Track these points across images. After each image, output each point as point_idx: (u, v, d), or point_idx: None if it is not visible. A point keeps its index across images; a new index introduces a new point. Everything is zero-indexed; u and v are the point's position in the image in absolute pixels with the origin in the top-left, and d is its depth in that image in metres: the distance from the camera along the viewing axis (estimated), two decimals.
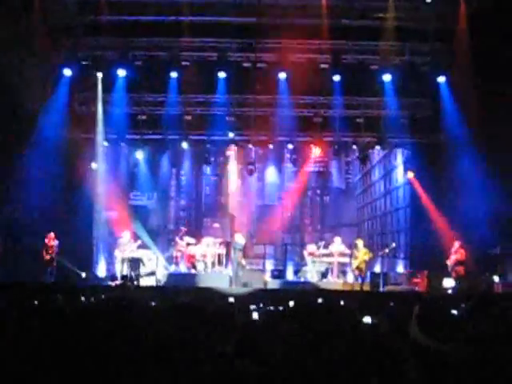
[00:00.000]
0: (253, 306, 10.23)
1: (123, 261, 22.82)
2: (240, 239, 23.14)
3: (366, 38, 23.78)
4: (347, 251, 23.23)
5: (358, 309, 8.35)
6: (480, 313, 8.19)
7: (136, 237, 23.71)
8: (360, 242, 23.14)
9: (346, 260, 23.34)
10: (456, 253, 21.58)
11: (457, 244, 21.64)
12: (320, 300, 12.12)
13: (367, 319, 7.77)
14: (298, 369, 4.66)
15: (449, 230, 22.36)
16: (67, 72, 23.50)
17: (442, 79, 23.80)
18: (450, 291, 20.98)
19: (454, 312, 9.81)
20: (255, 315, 9.03)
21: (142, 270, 22.79)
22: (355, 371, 4.00)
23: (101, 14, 22.92)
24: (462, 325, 6.35)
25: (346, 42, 23.95)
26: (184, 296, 13.09)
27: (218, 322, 6.27)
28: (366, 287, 22.28)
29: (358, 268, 22.54)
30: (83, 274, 22.72)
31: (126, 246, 23.09)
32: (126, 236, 23.28)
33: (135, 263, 22.73)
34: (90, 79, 24.24)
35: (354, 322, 6.39)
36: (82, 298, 12.44)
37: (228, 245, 24.75)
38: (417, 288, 21.73)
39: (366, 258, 22.65)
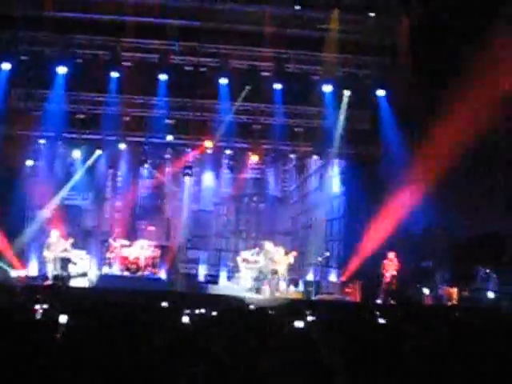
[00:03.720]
0: (186, 311, 10.19)
1: (54, 260, 22.54)
2: (271, 247, 23.06)
3: (309, 48, 23.92)
4: (279, 257, 23.31)
5: (290, 314, 8.40)
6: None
7: (68, 236, 23.41)
8: (281, 250, 23.38)
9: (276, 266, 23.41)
10: (391, 264, 21.81)
11: (392, 255, 21.87)
12: (252, 306, 12.16)
13: (298, 323, 7.81)
14: (224, 372, 4.67)
15: (382, 241, 22.55)
16: (5, 66, 23.17)
17: (382, 93, 24.05)
18: (379, 301, 21.23)
19: (382, 321, 9.95)
20: (186, 319, 9.00)
21: (74, 270, 22.55)
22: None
23: (43, 9, 22.63)
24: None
25: (289, 50, 24.06)
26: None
27: (150, 326, 6.25)
28: (299, 295, 22.39)
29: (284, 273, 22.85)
30: (13, 273, 22.38)
31: (56, 246, 22.79)
32: (54, 235, 22.95)
33: (65, 263, 22.47)
34: (29, 75, 23.90)
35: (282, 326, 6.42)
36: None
37: (162, 248, 24.68)
38: (348, 298, 21.91)
39: (289, 260, 22.92)
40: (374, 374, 4.61)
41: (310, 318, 9.15)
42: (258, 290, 22.54)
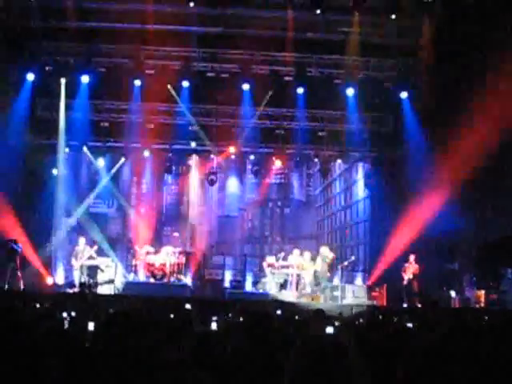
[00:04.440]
0: (213, 317, 10.21)
1: (81, 268, 22.68)
2: (327, 252, 23.10)
3: (331, 52, 23.91)
4: (305, 263, 23.31)
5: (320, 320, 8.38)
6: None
7: (94, 244, 23.52)
8: (307, 254, 23.37)
9: (302, 272, 23.39)
10: (412, 267, 21.77)
11: (412, 258, 21.84)
12: (279, 311, 12.18)
13: (329, 329, 7.79)
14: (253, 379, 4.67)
15: (406, 244, 22.48)
16: (30, 77, 23.37)
17: (404, 95, 24.00)
18: (405, 305, 21.17)
19: (409, 325, 9.92)
20: (214, 325, 9.02)
21: (100, 277, 22.63)
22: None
23: (65, 19, 22.77)
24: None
25: (311, 55, 24.07)
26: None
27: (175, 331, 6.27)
28: (325, 300, 22.35)
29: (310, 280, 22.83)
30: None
31: (83, 253, 22.93)
32: (81, 243, 23.12)
33: (93, 270, 22.58)
34: (53, 85, 24.07)
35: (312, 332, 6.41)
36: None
37: (187, 254, 24.72)
38: (375, 302, 21.85)
39: (314, 267, 22.93)
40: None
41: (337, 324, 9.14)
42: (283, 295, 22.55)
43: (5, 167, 22.05)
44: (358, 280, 24.66)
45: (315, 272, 22.81)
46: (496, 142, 19.82)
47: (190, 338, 5.98)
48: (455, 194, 21.63)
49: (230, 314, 11.55)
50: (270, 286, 23.58)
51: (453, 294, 21.75)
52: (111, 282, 22.64)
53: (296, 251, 23.91)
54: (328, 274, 22.96)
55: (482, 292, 21.30)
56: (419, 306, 20.76)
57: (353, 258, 24.40)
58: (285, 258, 23.94)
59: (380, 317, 12.81)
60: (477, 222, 21.99)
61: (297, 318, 11.17)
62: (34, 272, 22.61)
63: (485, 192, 21.80)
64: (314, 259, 23.26)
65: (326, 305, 20.72)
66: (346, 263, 23.94)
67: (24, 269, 21.96)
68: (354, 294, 22.31)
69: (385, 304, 21.53)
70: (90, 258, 22.85)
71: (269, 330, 6.20)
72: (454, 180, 21.35)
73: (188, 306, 12.36)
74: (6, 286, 20.78)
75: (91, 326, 7.95)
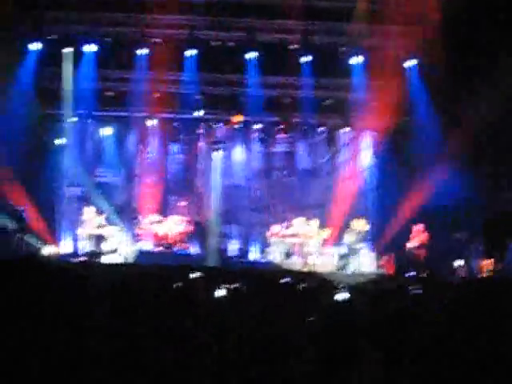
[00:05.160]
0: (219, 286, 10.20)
1: (87, 237, 22.72)
2: (363, 224, 23.05)
3: (337, 19, 23.78)
4: (312, 232, 23.34)
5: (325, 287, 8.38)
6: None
7: (100, 213, 23.57)
8: (314, 223, 23.35)
9: (309, 240, 23.38)
10: (419, 236, 21.76)
11: (420, 227, 21.81)
12: (284, 280, 12.16)
13: (342, 296, 7.77)
14: (262, 345, 4.65)
15: (413, 214, 22.48)
16: (34, 46, 23.31)
17: (411, 63, 23.87)
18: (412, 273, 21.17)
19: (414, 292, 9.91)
20: (218, 293, 9.01)
21: (105, 246, 22.67)
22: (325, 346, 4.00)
23: None
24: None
25: (316, 22, 23.94)
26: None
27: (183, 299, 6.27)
28: (331, 268, 22.36)
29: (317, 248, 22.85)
30: (45, 249, 22.55)
31: (90, 223, 22.98)
32: (88, 212, 23.15)
33: (99, 240, 22.63)
34: (58, 54, 24.00)
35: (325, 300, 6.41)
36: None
37: (193, 223, 24.73)
38: (383, 270, 21.86)
39: (322, 236, 22.92)
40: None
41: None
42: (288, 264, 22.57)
43: (10, 137, 22.07)
44: (365, 249, 24.62)
45: (349, 245, 22.74)
46: (505, 113, 19.77)
47: (201, 306, 5.98)
48: (464, 163, 21.62)
49: (236, 283, 11.53)
50: (275, 254, 23.60)
51: (459, 263, 21.72)
52: (115, 251, 22.68)
53: (301, 219, 23.92)
54: (359, 246, 22.91)
55: (491, 261, 21.28)
56: (424, 275, 20.77)
57: None
58: (289, 227, 23.95)
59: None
60: (486, 192, 21.95)
61: (303, 285, 11.16)
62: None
63: (494, 162, 21.74)
64: (322, 229, 23.27)
65: (334, 273, 20.76)
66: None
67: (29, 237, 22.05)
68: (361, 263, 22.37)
69: (392, 273, 21.55)
70: (99, 227, 22.90)
71: (276, 297, 6.20)
72: (464, 151, 21.32)
73: (197, 274, 12.35)
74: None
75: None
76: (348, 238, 22.87)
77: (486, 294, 10.65)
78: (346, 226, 24.57)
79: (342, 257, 22.71)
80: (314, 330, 4.67)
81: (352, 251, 22.59)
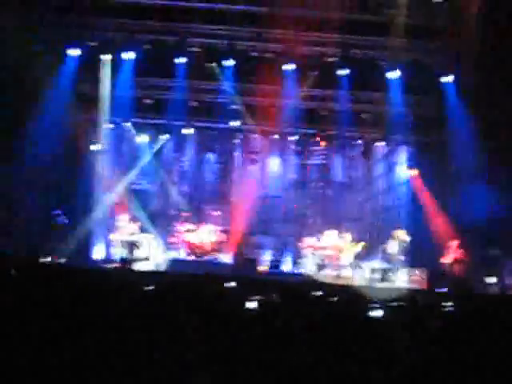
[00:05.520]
0: (252, 297, 10.21)
1: (120, 244, 22.84)
2: (404, 235, 23.00)
3: (375, 34, 23.76)
4: (345, 245, 23.31)
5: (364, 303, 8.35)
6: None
7: (135, 220, 23.69)
8: (347, 236, 23.32)
9: (341, 254, 23.34)
10: (454, 252, 21.65)
11: (455, 243, 21.70)
12: (319, 293, 12.15)
13: (377, 313, 7.75)
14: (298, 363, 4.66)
15: (449, 229, 22.40)
16: (73, 52, 23.55)
17: (448, 78, 23.81)
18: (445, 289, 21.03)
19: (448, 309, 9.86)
20: (252, 305, 9.02)
21: (139, 253, 22.76)
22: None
23: None
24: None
25: (355, 36, 23.95)
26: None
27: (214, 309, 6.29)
28: (364, 282, 22.28)
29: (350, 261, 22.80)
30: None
31: (124, 229, 23.11)
32: (123, 219, 23.28)
33: (132, 247, 22.72)
34: (97, 60, 24.21)
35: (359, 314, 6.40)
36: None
37: (228, 233, 24.79)
38: (416, 286, 21.73)
39: (355, 249, 22.87)
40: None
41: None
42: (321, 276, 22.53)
43: (49, 142, 22.26)
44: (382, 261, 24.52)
45: (389, 256, 22.61)
46: None
47: (233, 316, 6.00)
48: (500, 178, 21.50)
49: (272, 295, 11.54)
50: (309, 266, 23.58)
51: (493, 280, 21.57)
52: (147, 259, 22.77)
53: (333, 232, 23.91)
54: (401, 258, 22.79)
55: None
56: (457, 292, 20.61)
57: None
58: (325, 240, 23.94)
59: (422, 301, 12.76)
60: None
61: (335, 299, 11.14)
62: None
63: None
64: (355, 243, 23.24)
65: (367, 287, 20.68)
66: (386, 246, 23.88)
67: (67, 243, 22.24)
68: (394, 278, 22.28)
69: (425, 288, 21.42)
70: (132, 234, 23.02)
71: (309, 312, 6.19)
72: (501, 165, 21.21)
73: (233, 284, 12.41)
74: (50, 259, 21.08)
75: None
76: (390, 248, 22.72)
77: None
78: (380, 240, 24.53)
79: (383, 270, 22.56)
80: (343, 346, 4.67)
81: (393, 263, 22.46)
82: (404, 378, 4.35)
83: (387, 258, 22.68)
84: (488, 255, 22.43)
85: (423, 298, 14.12)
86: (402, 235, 22.73)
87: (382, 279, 22.15)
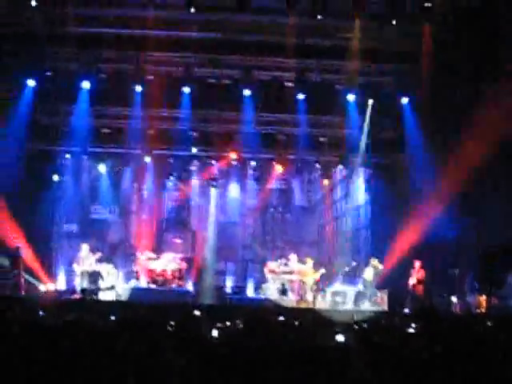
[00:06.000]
0: (216, 324, 10.19)
1: (82, 274, 22.63)
2: (377, 263, 22.87)
3: (332, 58, 23.92)
4: (308, 270, 23.35)
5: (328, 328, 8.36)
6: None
7: (95, 250, 23.51)
8: (309, 261, 23.37)
9: (304, 278, 23.37)
10: (417, 272, 21.80)
11: (417, 264, 21.84)
12: (281, 318, 12.14)
13: (340, 338, 7.76)
14: None
15: (408, 250, 22.53)
16: (31, 82, 23.44)
17: (405, 100, 24.05)
18: (406, 310, 21.13)
19: (411, 330, 9.91)
20: (215, 332, 9.00)
21: (102, 283, 22.58)
22: None
23: (67, 25, 22.76)
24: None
25: (311, 60, 24.10)
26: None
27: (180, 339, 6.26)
28: (325, 305, 22.31)
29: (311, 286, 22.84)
30: (41, 287, 22.49)
31: (85, 259, 22.92)
32: (84, 249, 23.09)
33: (94, 277, 22.52)
34: (54, 91, 24.07)
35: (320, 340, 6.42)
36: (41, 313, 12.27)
37: (189, 260, 24.72)
38: (376, 307, 21.81)
39: (317, 276, 22.94)
40: None
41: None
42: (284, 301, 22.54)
43: (6, 173, 22.06)
44: (361, 286, 24.60)
45: (364, 281, 22.65)
46: (498, 148, 19.88)
47: (201, 345, 5.98)
48: (457, 200, 21.72)
49: (235, 321, 11.51)
50: (271, 291, 23.58)
51: (454, 299, 21.72)
52: (112, 288, 22.59)
53: (294, 256, 23.95)
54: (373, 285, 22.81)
55: (484, 297, 21.26)
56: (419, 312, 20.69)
57: (354, 263, 24.37)
58: (286, 264, 23.97)
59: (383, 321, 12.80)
60: (478, 227, 21.98)
61: (297, 323, 11.14)
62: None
63: (488, 198, 21.78)
64: (315, 269, 23.28)
65: (329, 311, 20.72)
66: (347, 268, 23.96)
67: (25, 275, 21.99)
68: (355, 299, 22.34)
69: (386, 309, 21.51)
70: (92, 264, 22.83)
71: (272, 337, 6.19)
72: (455, 187, 21.41)
73: (197, 313, 12.35)
74: (8, 293, 20.82)
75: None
76: (366, 274, 22.73)
77: (481, 330, 10.66)
78: (341, 264, 24.67)
79: (359, 294, 22.59)
80: (309, 369, 4.68)
81: (368, 288, 22.50)
82: None
83: (364, 283, 22.70)
84: (448, 275, 22.59)
85: (386, 320, 14.19)
86: (377, 263, 22.76)
87: (355, 302, 22.21)
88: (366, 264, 23.48)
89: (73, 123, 24.49)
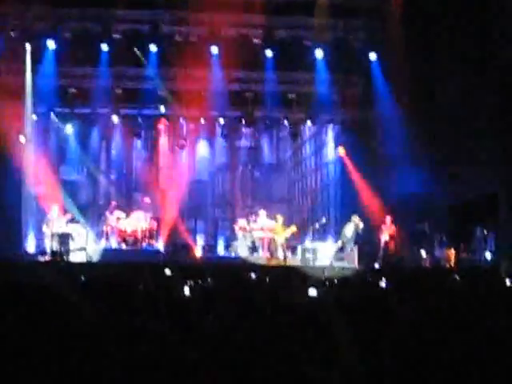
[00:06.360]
0: (188, 282, 10.18)
1: (52, 236, 22.49)
2: (358, 220, 22.59)
3: (300, 14, 23.77)
4: (278, 227, 23.36)
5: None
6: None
7: (65, 212, 23.37)
8: (279, 218, 23.31)
9: (274, 235, 23.38)
10: (388, 228, 21.87)
11: (388, 219, 21.92)
12: (252, 275, 12.18)
13: (312, 292, 7.78)
14: (233, 346, 4.64)
15: (379, 206, 22.64)
16: None
17: (373, 56, 23.99)
18: (376, 266, 21.27)
19: (382, 285, 9.97)
20: (187, 291, 8.99)
21: (72, 245, 22.48)
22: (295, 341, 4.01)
23: None
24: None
25: (280, 17, 23.93)
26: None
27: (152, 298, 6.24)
28: (296, 262, 22.40)
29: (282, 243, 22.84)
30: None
31: (55, 221, 22.76)
32: (54, 211, 22.92)
33: (64, 238, 22.38)
34: (19, 50, 23.75)
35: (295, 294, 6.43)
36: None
37: (159, 219, 24.68)
38: (346, 263, 21.90)
39: (287, 233, 22.88)
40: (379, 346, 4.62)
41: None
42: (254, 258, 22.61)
43: None
44: (330, 242, 24.70)
45: (344, 237, 22.48)
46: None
47: (172, 304, 5.96)
48: (426, 156, 21.80)
49: (206, 279, 11.52)
50: (242, 249, 23.65)
51: (423, 253, 21.89)
52: (83, 249, 22.52)
53: (263, 212, 23.94)
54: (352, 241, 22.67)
55: (453, 251, 21.44)
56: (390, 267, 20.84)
57: (324, 220, 24.45)
58: (256, 221, 24.01)
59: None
60: (447, 183, 22.11)
61: (268, 280, 11.18)
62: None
63: (455, 154, 21.88)
64: (287, 227, 23.23)
65: (300, 267, 20.82)
66: (317, 225, 24.03)
67: None
68: (324, 256, 22.41)
69: (356, 265, 21.62)
70: (62, 226, 22.68)
71: (245, 294, 6.19)
72: (424, 143, 21.51)
73: (168, 272, 12.34)
74: None
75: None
76: (347, 230, 22.57)
77: (451, 283, 10.76)
78: (311, 221, 24.74)
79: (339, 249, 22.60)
80: (282, 325, 4.68)
81: (346, 244, 22.39)
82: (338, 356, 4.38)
83: (343, 238, 22.57)
84: (417, 230, 22.75)
85: (356, 276, 14.29)
86: (358, 220, 22.54)
87: (336, 258, 22.19)
88: (342, 221, 23.52)
89: (38, 83, 24.20)
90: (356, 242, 22.23)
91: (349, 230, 22.43)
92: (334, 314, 4.40)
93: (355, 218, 22.26)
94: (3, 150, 23.48)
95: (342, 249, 22.54)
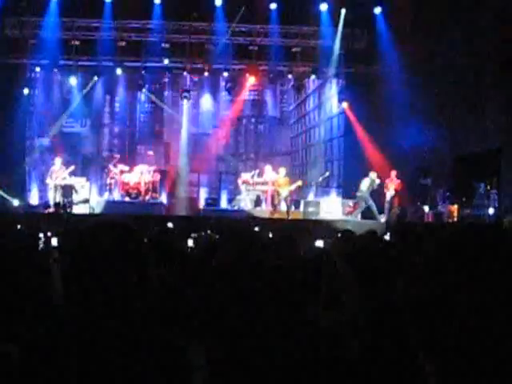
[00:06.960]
0: (190, 235, 10.24)
1: (55, 188, 22.52)
2: (375, 177, 22.39)
3: None
4: (281, 180, 23.34)
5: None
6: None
7: (68, 164, 23.38)
8: (282, 171, 23.14)
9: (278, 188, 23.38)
10: (393, 182, 21.81)
11: (393, 173, 21.86)
12: (256, 228, 12.23)
13: (319, 243, 7.84)
14: (235, 297, 4.69)
15: (382, 160, 22.63)
16: None
17: (378, 10, 23.82)
18: (382, 219, 21.30)
19: (386, 237, 10.01)
20: (190, 242, 9.06)
21: (75, 197, 22.53)
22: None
23: None
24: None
25: None
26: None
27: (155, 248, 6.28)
28: (299, 215, 22.44)
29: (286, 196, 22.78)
30: (15, 202, 22.38)
31: (58, 173, 22.77)
32: (57, 163, 22.92)
33: (68, 190, 22.43)
34: (22, 3, 23.59)
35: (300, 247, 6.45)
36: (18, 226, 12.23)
37: (162, 172, 24.70)
38: (350, 216, 21.96)
39: (292, 187, 22.80)
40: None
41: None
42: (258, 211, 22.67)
43: None
44: (333, 196, 24.76)
45: (361, 192, 22.28)
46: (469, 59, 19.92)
47: (176, 255, 6.00)
48: (430, 110, 21.74)
49: (208, 231, 11.59)
50: (245, 202, 23.72)
51: (426, 208, 21.91)
52: (86, 201, 22.57)
53: (268, 167, 23.99)
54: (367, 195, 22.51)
55: (456, 207, 21.45)
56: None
57: (327, 173, 24.45)
58: (259, 175, 24.05)
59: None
60: (450, 137, 22.05)
61: (271, 234, 11.22)
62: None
63: (459, 109, 21.79)
64: (291, 181, 23.11)
65: (305, 220, 20.94)
66: (320, 179, 24.04)
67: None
68: (328, 210, 22.44)
69: (359, 219, 21.68)
70: (65, 178, 22.70)
71: (250, 246, 6.22)
72: (429, 97, 21.44)
73: (170, 225, 12.39)
74: None
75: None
76: (363, 184, 22.38)
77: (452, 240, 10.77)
78: (314, 174, 24.77)
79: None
80: (288, 278, 4.72)
81: (360, 198, 22.24)
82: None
83: (360, 192, 22.37)
84: (420, 184, 22.73)
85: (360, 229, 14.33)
86: (375, 176, 22.31)
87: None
88: (346, 175, 23.57)
89: (42, 36, 24.07)
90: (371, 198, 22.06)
91: (364, 186, 22.32)
92: (338, 260, 4.44)
93: (373, 174, 22.06)
94: (8, 103, 23.47)
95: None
